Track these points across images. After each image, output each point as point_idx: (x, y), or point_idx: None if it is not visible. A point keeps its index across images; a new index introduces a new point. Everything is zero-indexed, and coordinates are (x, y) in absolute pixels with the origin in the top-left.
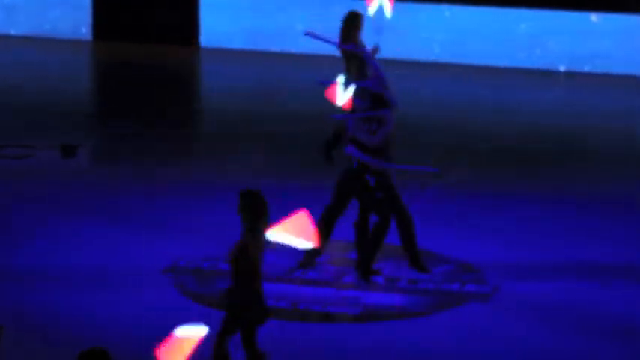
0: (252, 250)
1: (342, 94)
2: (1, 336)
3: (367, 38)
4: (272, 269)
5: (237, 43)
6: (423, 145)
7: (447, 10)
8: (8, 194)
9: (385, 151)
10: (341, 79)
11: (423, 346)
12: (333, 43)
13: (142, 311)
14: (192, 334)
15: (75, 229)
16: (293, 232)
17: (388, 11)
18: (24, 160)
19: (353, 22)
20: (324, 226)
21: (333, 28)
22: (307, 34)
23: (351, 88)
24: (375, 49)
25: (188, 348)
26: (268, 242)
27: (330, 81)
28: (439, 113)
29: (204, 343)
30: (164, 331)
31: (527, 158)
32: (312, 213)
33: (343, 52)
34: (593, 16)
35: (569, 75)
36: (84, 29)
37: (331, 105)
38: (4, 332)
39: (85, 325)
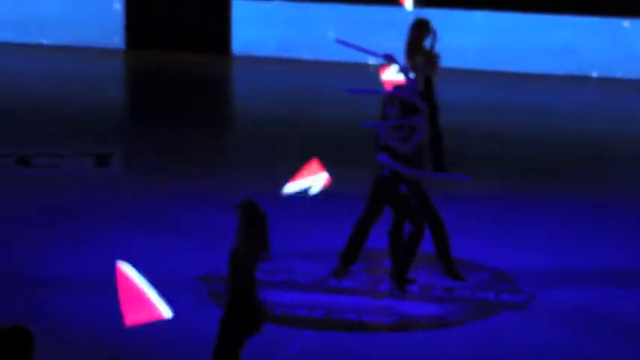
0: (249, 261)
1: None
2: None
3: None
4: (306, 278)
5: (269, 51)
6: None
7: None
8: (41, 202)
9: (417, 158)
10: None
11: (458, 355)
12: (364, 50)
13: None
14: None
15: (110, 237)
16: (306, 176)
17: (409, 4)
18: (57, 169)
19: (421, 28)
20: (358, 235)
21: (361, 36)
22: (339, 41)
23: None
24: (390, 56)
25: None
26: (265, 255)
27: (361, 90)
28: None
29: None
30: (194, 337)
31: (565, 163)
32: (347, 221)
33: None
34: (626, 22)
35: (602, 81)
36: (116, 38)
37: (363, 111)
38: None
39: (117, 331)
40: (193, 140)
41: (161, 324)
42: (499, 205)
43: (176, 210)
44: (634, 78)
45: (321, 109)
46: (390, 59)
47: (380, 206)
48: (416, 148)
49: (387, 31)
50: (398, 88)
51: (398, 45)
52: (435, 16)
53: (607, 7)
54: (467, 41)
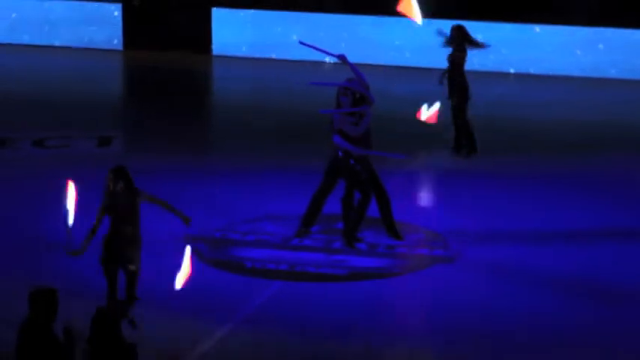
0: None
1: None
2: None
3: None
4: (273, 238)
5: (242, 51)
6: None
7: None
8: (51, 176)
9: (365, 139)
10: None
11: (399, 301)
12: (322, 50)
13: (163, 273)
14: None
15: None
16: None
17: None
18: (64, 149)
19: (461, 30)
20: (316, 203)
21: (322, 38)
22: (301, 43)
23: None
24: (342, 56)
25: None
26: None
27: (321, 83)
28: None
29: None
30: (181, 290)
31: (491, 144)
32: (307, 191)
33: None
34: (537, 28)
35: (518, 76)
36: (115, 40)
37: (320, 101)
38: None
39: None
40: (180, 125)
41: (152, 278)
42: (439, 178)
43: (165, 183)
44: (544, 74)
45: (285, 99)
46: (342, 58)
47: (334, 180)
48: (364, 131)
49: (342, 35)
50: (351, 81)
51: (349, 46)
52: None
53: (522, 16)
54: (405, 42)
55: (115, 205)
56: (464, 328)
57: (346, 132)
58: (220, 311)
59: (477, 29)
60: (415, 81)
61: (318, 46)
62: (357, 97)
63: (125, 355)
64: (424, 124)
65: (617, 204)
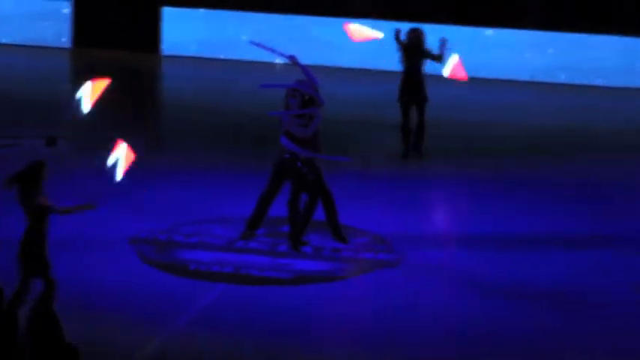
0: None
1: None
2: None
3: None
4: (218, 240)
5: (191, 51)
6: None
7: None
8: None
9: (313, 142)
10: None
11: (343, 304)
12: (273, 50)
13: (105, 274)
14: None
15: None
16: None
17: (377, 34)
18: (12, 149)
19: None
20: (262, 206)
21: (272, 39)
22: (252, 43)
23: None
24: (293, 57)
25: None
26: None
27: (271, 85)
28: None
29: None
30: (123, 290)
31: (438, 147)
32: (252, 193)
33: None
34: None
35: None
36: (64, 38)
37: (270, 102)
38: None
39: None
40: (128, 125)
41: (96, 279)
42: (384, 182)
43: (111, 184)
44: (496, 78)
45: (233, 100)
46: (292, 59)
47: (280, 182)
48: (313, 133)
49: (289, 35)
50: (300, 83)
51: (297, 46)
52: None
53: (474, 19)
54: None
55: None
56: (407, 332)
57: (294, 134)
58: (163, 314)
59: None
60: (364, 83)
61: (268, 46)
62: (306, 98)
63: (67, 358)
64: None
65: (569, 207)
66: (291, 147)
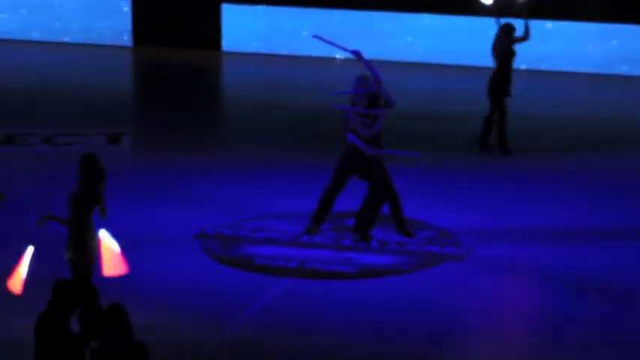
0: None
1: None
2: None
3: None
4: (283, 235)
5: (253, 47)
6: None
7: (427, 18)
8: (61, 176)
9: (377, 139)
10: None
11: (409, 299)
12: (336, 45)
13: (173, 270)
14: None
15: (122, 204)
16: None
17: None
18: (74, 146)
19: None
20: (327, 201)
21: (334, 33)
22: (315, 36)
23: None
24: (357, 52)
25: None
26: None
27: (342, 91)
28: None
29: None
30: (190, 286)
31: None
32: (315, 188)
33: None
34: (549, 24)
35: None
36: (125, 36)
37: (332, 98)
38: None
39: (122, 282)
40: (191, 122)
41: (164, 275)
42: (442, 176)
43: (174, 180)
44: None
45: (296, 96)
46: (357, 54)
47: (345, 177)
48: (375, 133)
49: (354, 32)
50: (364, 79)
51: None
52: (388, 17)
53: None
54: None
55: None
56: (473, 328)
57: (358, 132)
58: (229, 308)
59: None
60: (428, 76)
61: (331, 40)
62: (373, 99)
63: (136, 354)
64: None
65: (627, 203)
66: (357, 143)
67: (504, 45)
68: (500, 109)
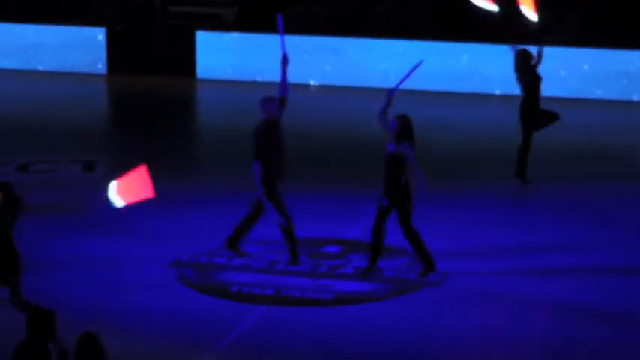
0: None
1: None
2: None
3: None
4: (259, 262)
5: (227, 74)
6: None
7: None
8: (35, 202)
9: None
10: None
11: (386, 325)
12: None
13: (148, 298)
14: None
15: (95, 229)
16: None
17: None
18: (49, 174)
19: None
20: (376, 237)
21: (305, 60)
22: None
23: None
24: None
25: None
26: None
27: (395, 88)
28: None
29: None
30: (165, 314)
31: (468, 167)
32: (290, 214)
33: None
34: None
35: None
36: (100, 64)
37: (309, 122)
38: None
39: (99, 311)
40: (166, 149)
41: (139, 303)
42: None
43: (149, 208)
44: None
45: None
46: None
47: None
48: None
49: (327, 59)
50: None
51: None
52: (363, 45)
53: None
54: (389, 66)
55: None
56: (453, 352)
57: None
58: (205, 336)
59: (459, 50)
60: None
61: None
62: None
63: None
64: None
65: (605, 225)
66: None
67: (528, 72)
68: (527, 137)
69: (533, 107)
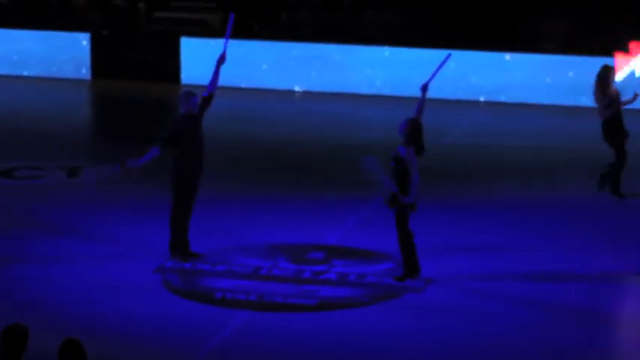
0: None
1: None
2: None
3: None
4: (243, 268)
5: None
6: None
7: (387, 50)
8: (21, 207)
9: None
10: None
11: (369, 331)
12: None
13: (132, 304)
14: None
15: (81, 237)
16: None
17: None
18: (34, 180)
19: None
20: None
21: (291, 67)
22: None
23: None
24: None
25: None
26: None
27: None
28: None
29: None
30: (148, 320)
31: (463, 171)
32: (277, 221)
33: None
34: (507, 56)
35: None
36: (84, 69)
37: (297, 132)
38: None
39: (82, 316)
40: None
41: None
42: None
43: (134, 213)
44: (515, 102)
45: (257, 128)
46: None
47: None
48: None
49: (314, 65)
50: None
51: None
52: (348, 50)
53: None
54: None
55: None
56: (437, 356)
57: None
58: (189, 342)
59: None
60: (386, 108)
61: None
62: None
63: None
64: None
65: (585, 232)
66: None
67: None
68: (621, 151)
69: (617, 122)
